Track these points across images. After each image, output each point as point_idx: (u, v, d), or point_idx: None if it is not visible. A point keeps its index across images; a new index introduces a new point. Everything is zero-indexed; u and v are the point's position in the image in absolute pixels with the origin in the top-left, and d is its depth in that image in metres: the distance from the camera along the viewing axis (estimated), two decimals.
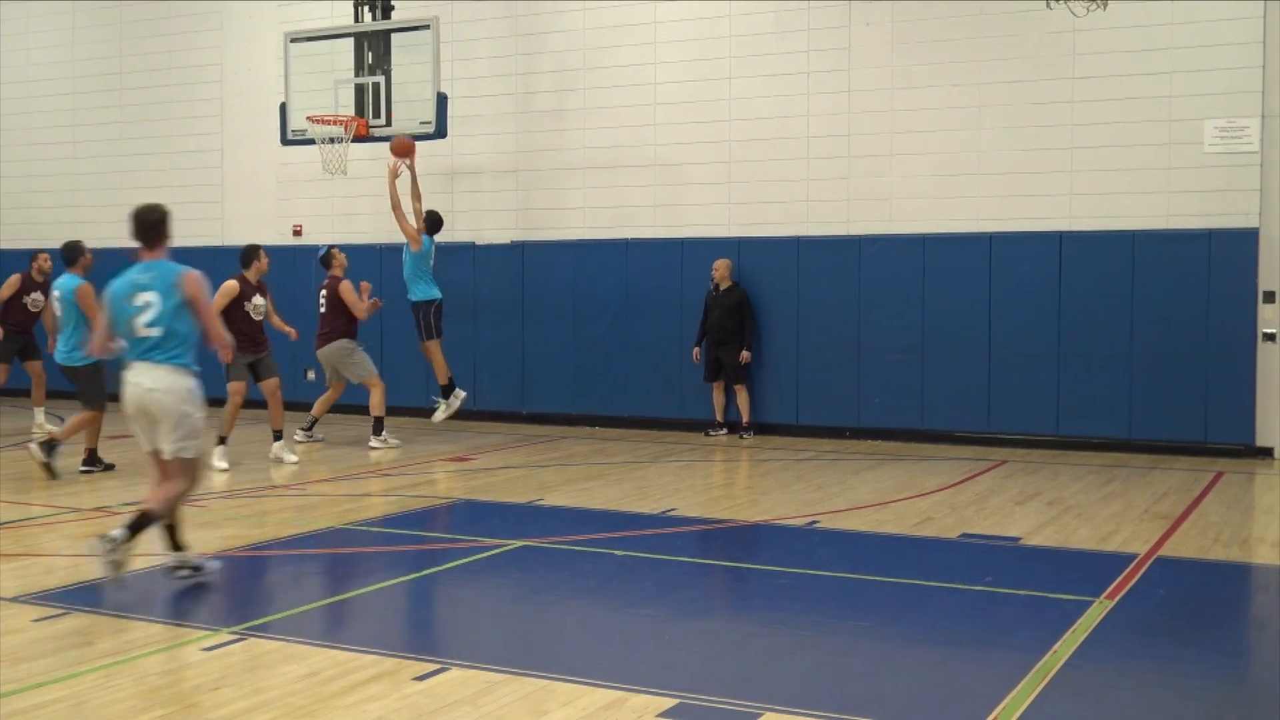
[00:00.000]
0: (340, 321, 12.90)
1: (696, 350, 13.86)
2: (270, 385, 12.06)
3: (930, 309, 13.33)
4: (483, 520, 9.25)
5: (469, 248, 15.51)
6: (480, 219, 15.56)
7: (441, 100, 13.61)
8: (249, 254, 12.00)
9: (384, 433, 12.95)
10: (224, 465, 11.32)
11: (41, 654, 5.70)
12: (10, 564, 7.52)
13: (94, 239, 16.66)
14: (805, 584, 7.25)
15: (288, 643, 5.84)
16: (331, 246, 13.63)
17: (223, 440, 11.50)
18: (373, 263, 15.35)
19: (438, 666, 5.46)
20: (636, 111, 14.67)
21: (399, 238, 15.21)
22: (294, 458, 11.97)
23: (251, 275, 11.91)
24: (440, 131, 13.74)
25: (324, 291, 13.01)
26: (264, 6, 16.74)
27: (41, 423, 13.85)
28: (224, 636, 5.94)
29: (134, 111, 17.92)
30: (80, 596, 6.75)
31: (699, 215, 14.43)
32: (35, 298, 13.58)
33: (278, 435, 12.10)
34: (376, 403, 12.93)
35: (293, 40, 14.39)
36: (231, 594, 7.08)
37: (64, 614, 6.35)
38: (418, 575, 7.58)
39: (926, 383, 13.34)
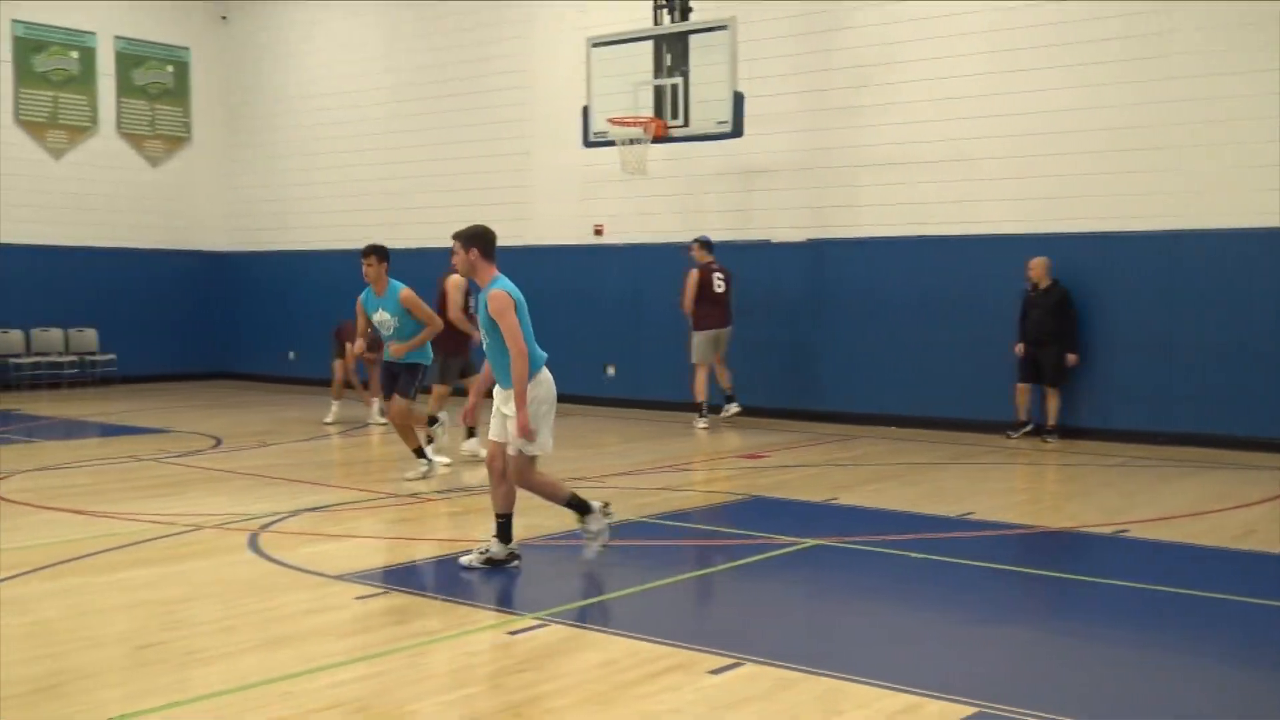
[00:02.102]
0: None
1: (1021, 347, 13.43)
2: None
3: (1249, 308, 12.49)
4: (776, 518, 9.25)
5: (764, 246, 15.56)
6: (775, 217, 15.58)
7: (738, 99, 13.70)
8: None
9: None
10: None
11: (360, 630, 6.05)
12: (335, 544, 8.03)
13: (409, 240, 17.68)
14: (1112, 595, 6.93)
15: (587, 631, 6.01)
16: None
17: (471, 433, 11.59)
18: (673, 260, 15.58)
19: (732, 661, 5.50)
20: (933, 106, 14.36)
21: (697, 235, 15.38)
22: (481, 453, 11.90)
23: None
24: (736, 130, 13.83)
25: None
26: (566, 13, 17.27)
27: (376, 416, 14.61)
28: (528, 622, 6.15)
29: (445, 118, 18.82)
30: (398, 577, 7.14)
31: (997, 211, 14.00)
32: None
33: (471, 433, 11.87)
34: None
35: (594, 45, 14.77)
36: (535, 582, 7.34)
37: (383, 593, 6.72)
38: (712, 570, 7.66)
39: (1246, 387, 12.51)
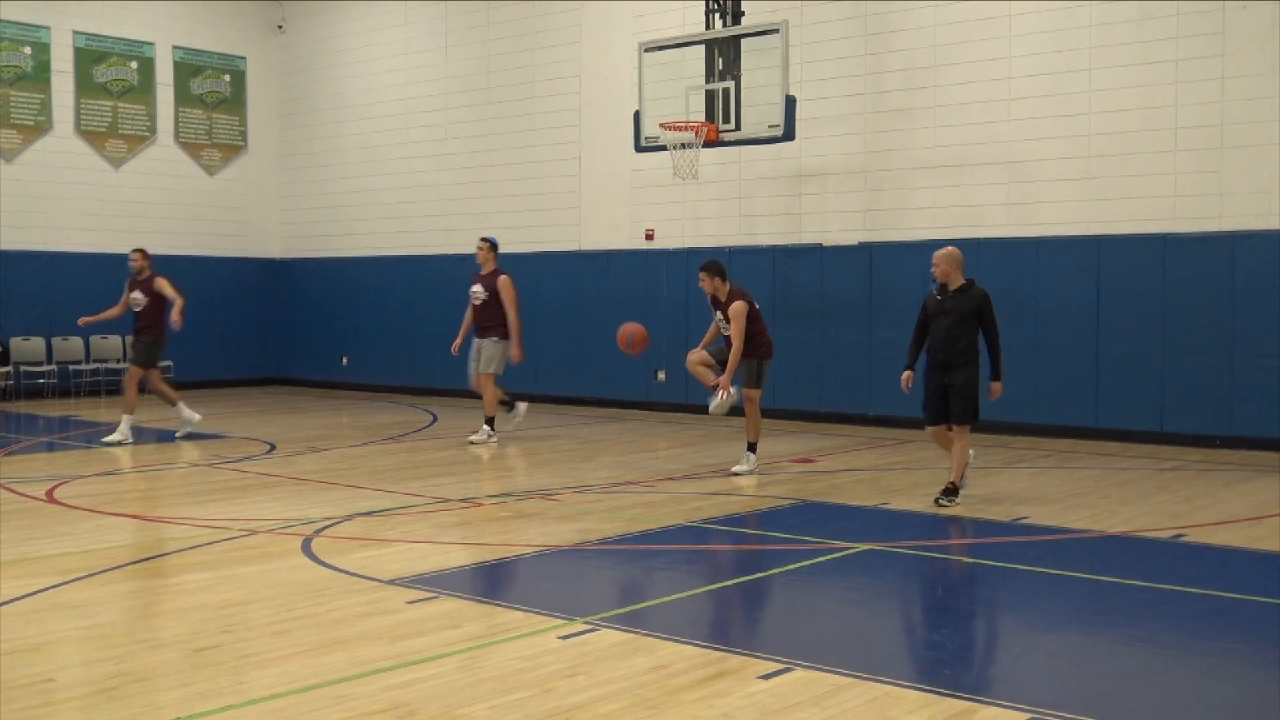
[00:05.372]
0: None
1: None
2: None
3: None
4: (828, 522, 9.22)
5: (816, 249, 15.51)
6: (827, 220, 15.53)
7: (790, 103, 13.67)
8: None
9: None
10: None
11: (412, 634, 6.09)
12: (388, 549, 8.09)
13: (462, 247, 17.78)
14: (1170, 600, 6.85)
15: (638, 635, 6.01)
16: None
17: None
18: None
19: (782, 666, 5.49)
20: (988, 108, 14.27)
21: (748, 240, 15.42)
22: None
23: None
24: (789, 134, 13.80)
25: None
26: (619, 18, 17.31)
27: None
28: (579, 626, 6.17)
29: (498, 124, 18.93)
30: (449, 582, 7.19)
31: (1054, 213, 13.89)
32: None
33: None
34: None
35: (646, 49, 14.79)
36: (586, 585, 7.36)
37: (434, 598, 6.76)
38: (763, 575, 7.64)
39: None
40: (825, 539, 8.36)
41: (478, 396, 14.12)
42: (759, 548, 8.38)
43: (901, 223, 14.97)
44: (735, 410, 11.32)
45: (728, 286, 11.24)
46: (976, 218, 14.37)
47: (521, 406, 14.08)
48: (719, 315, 11.23)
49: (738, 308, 11.01)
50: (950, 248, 9.89)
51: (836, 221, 15.46)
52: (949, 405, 9.63)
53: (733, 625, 6.60)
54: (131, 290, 13.99)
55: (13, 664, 5.55)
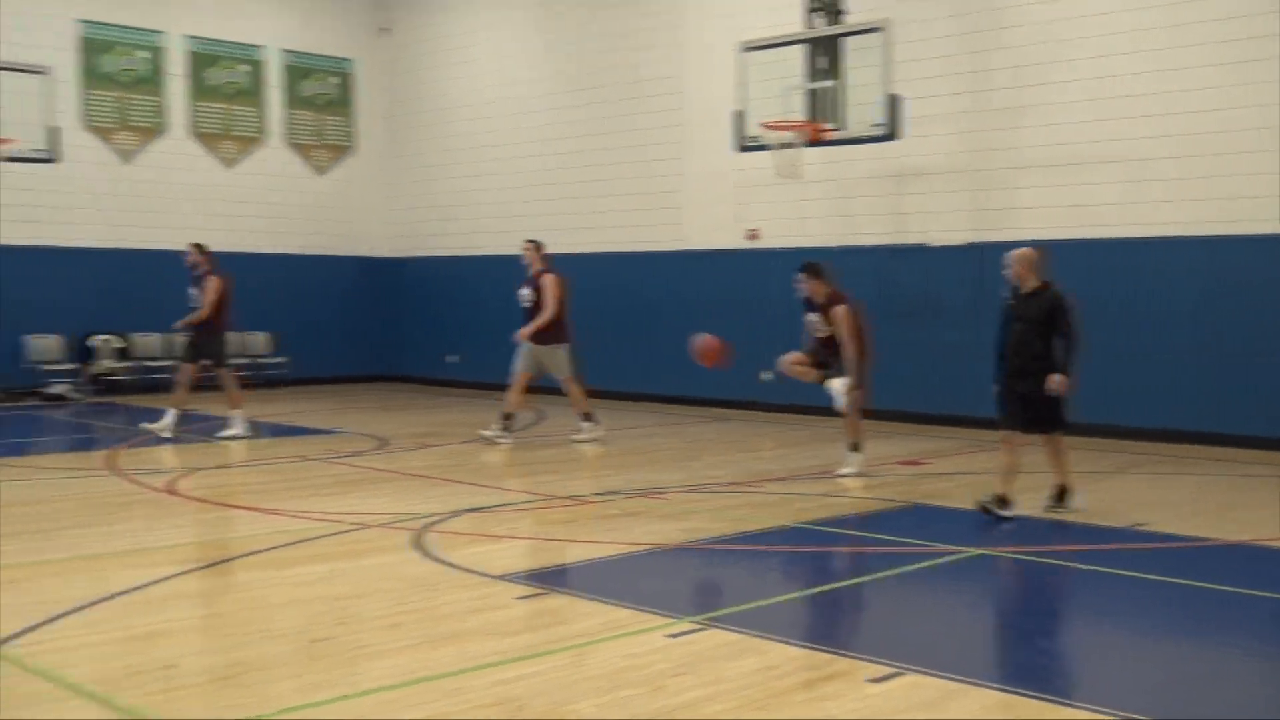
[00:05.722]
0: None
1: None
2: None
3: None
4: (938, 526, 9.11)
5: (919, 250, 15.33)
6: (931, 220, 15.34)
7: (894, 101, 13.53)
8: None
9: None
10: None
11: (521, 630, 6.14)
12: (496, 545, 8.17)
13: (566, 246, 17.89)
14: None
15: (746, 635, 5.99)
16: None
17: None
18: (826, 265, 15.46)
19: (893, 671, 5.43)
20: (1099, 105, 13.97)
21: (852, 240, 15.28)
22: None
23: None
24: (892, 133, 13.66)
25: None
26: (718, 17, 17.28)
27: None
28: (686, 625, 6.16)
29: (600, 124, 19.01)
30: (558, 578, 7.23)
31: (1166, 213, 13.55)
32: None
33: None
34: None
35: (747, 49, 14.74)
36: (693, 585, 7.36)
37: (543, 594, 6.81)
38: (872, 578, 7.57)
39: None
40: (935, 542, 8.25)
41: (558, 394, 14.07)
42: (867, 550, 8.30)
43: (1009, 222, 14.72)
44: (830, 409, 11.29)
45: (827, 288, 11.16)
46: (1088, 217, 14.08)
47: (508, 438, 13.28)
48: (815, 317, 11.14)
49: (842, 311, 10.92)
50: (1025, 248, 9.50)
51: (942, 221, 15.26)
52: (1028, 413, 9.24)
53: (842, 628, 6.55)
54: (192, 286, 14.02)
55: (136, 650, 5.71)
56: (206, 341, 13.90)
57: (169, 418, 13.79)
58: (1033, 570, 7.64)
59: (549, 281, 13.34)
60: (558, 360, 13.46)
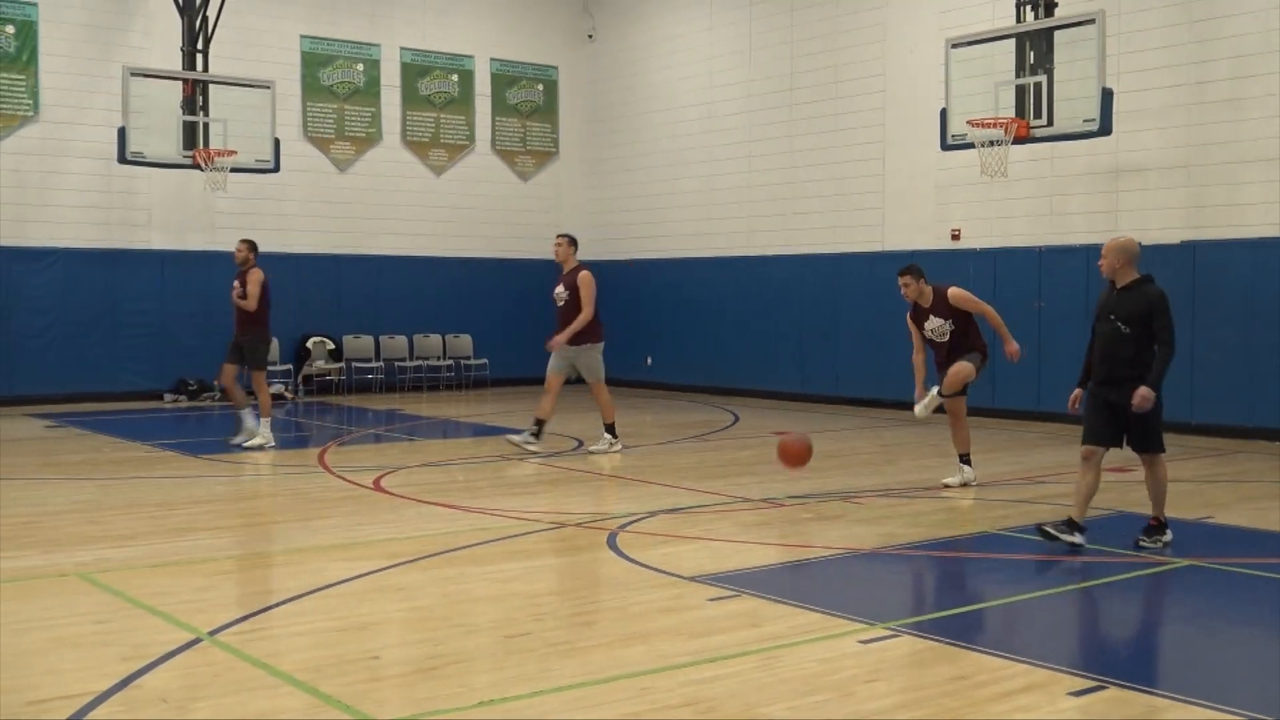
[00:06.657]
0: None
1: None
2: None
3: None
4: None
5: None
6: (1145, 218, 14.76)
7: (1106, 96, 13.07)
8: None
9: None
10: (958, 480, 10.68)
11: (713, 631, 6.16)
12: (690, 546, 8.21)
13: (764, 248, 17.87)
14: None
15: (940, 643, 5.88)
16: None
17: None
18: (1031, 265, 15.07)
19: (1095, 684, 5.26)
20: None
21: (1059, 239, 14.83)
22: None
23: None
24: (1105, 128, 13.20)
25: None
26: (925, 14, 17.00)
27: None
28: (880, 631, 6.09)
29: (802, 125, 18.92)
30: (751, 581, 7.23)
31: None
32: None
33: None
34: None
35: (954, 45, 14.45)
36: (888, 590, 7.27)
37: (735, 596, 6.82)
38: (1073, 588, 7.34)
39: None
40: (1140, 552, 7.95)
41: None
42: (1070, 559, 8.05)
43: (1230, 219, 14.07)
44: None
45: (930, 289, 10.46)
46: None
47: (538, 442, 12.76)
48: (939, 323, 10.38)
49: (961, 295, 10.34)
50: (1124, 237, 8.22)
51: (1156, 219, 14.67)
52: (1117, 428, 8.03)
53: (1040, 638, 6.36)
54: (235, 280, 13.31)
55: (342, 640, 5.95)
56: (253, 346, 13.14)
57: (264, 426, 13.16)
58: (1245, 584, 7.28)
59: (585, 280, 12.76)
60: (591, 361, 12.90)
